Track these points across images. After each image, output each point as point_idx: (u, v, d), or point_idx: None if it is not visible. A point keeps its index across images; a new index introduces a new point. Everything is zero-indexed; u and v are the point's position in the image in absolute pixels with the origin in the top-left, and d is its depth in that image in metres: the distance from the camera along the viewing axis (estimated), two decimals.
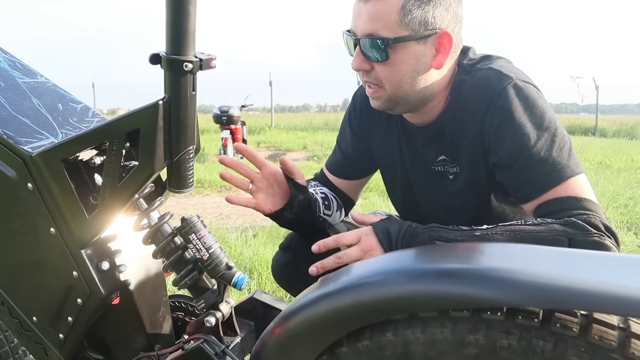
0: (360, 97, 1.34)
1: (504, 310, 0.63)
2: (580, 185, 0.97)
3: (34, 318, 0.97)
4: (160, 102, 0.75)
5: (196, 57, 0.74)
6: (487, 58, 1.14)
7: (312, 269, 1.06)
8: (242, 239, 3.35)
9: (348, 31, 1.09)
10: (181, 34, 0.72)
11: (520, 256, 0.65)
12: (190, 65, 0.73)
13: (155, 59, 0.74)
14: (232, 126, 8.13)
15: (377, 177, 1.49)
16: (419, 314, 0.67)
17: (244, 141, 8.74)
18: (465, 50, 1.15)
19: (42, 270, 0.91)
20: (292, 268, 1.38)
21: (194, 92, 0.76)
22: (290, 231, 1.45)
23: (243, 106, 8.76)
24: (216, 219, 4.37)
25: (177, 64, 0.73)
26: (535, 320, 0.61)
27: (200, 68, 0.74)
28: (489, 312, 0.63)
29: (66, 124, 0.94)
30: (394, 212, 1.56)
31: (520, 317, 0.62)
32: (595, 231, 0.90)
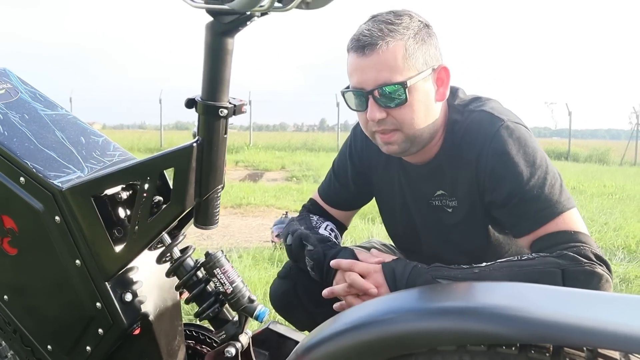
0: (361, 132, 1.39)
1: (518, 345, 0.68)
2: (571, 219, 1.05)
3: (49, 347, 0.99)
4: (195, 144, 0.80)
5: (230, 102, 0.79)
6: (477, 100, 1.21)
7: (325, 292, 1.13)
8: None
9: (347, 88, 1.15)
10: (217, 81, 0.77)
11: (531, 296, 0.71)
12: (225, 111, 0.78)
13: (190, 103, 0.79)
14: None
15: None
16: (438, 347, 0.72)
17: None
18: (454, 91, 1.23)
19: (64, 301, 0.94)
20: (291, 296, 1.41)
21: (225, 136, 0.81)
22: (288, 259, 1.48)
23: None
24: (197, 239, 4.35)
25: (213, 109, 0.78)
26: (547, 354, 0.67)
27: (234, 113, 0.79)
28: (504, 347, 0.69)
29: (90, 158, 0.98)
30: (385, 239, 1.62)
31: (532, 351, 0.67)
32: (587, 261, 0.96)
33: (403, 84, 1.07)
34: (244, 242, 4.27)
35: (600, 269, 0.96)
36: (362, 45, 1.09)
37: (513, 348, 0.68)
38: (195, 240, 4.24)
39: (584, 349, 0.67)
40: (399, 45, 1.08)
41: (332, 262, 1.14)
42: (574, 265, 0.96)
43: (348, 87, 1.16)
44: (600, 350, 0.67)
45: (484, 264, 1.02)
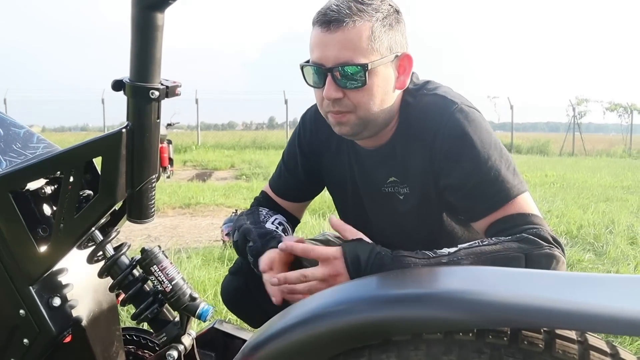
0: (309, 119, 1.35)
1: (475, 330, 0.65)
2: (526, 202, 1.04)
3: None
4: (124, 129, 0.73)
5: (162, 84, 0.72)
6: (430, 83, 1.20)
7: (274, 280, 1.05)
8: (176, 261, 3.24)
9: (307, 62, 1.10)
10: (147, 60, 0.70)
11: (486, 279, 0.68)
12: (156, 93, 0.71)
13: (117, 85, 0.72)
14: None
15: None
16: (392, 338, 0.68)
17: (170, 160, 8.47)
18: None
19: None
20: (243, 292, 1.35)
21: (158, 120, 0.74)
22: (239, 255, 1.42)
23: (169, 124, 8.55)
24: (144, 241, 4.20)
25: (143, 91, 0.71)
26: (504, 338, 0.64)
27: (167, 95, 0.73)
28: (460, 334, 0.65)
29: (9, 151, 0.88)
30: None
31: (490, 336, 0.65)
32: (546, 244, 0.96)
33: (364, 67, 1.03)
34: (193, 242, 4.15)
35: (557, 252, 0.96)
36: (328, 20, 1.04)
37: (470, 334, 0.65)
38: (141, 243, 4.08)
39: (542, 330, 0.65)
40: (365, 26, 1.04)
41: (281, 245, 1.07)
42: (535, 249, 0.95)
43: (308, 61, 1.10)
44: (557, 331, 0.65)
45: (446, 251, 0.99)
